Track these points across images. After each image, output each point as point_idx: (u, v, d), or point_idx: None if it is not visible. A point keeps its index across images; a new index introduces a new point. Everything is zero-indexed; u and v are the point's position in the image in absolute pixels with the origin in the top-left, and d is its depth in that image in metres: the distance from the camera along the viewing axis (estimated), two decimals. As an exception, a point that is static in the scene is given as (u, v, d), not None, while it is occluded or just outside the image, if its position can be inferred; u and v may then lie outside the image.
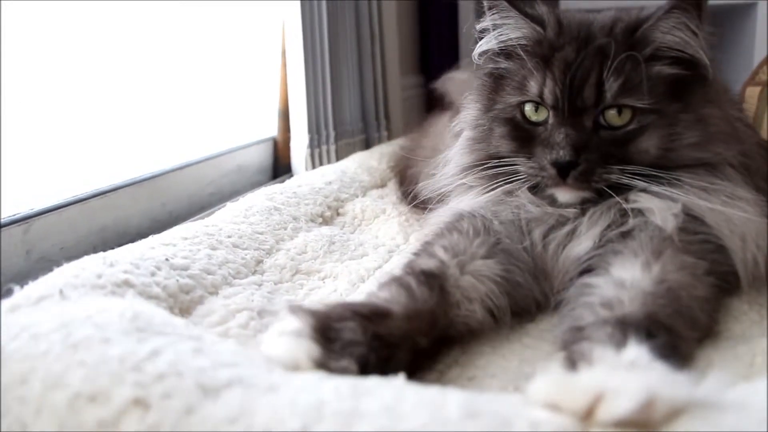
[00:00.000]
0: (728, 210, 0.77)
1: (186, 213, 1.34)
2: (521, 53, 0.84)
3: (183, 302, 0.78)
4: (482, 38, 0.89)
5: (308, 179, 1.29)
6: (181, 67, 1.43)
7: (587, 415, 0.46)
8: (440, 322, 0.70)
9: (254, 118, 1.67)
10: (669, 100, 0.80)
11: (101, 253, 0.79)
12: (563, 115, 0.80)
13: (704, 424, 0.46)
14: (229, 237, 0.96)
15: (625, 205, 0.78)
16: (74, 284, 0.70)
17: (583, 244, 0.78)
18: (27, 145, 1.10)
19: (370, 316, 0.63)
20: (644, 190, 0.79)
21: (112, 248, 0.84)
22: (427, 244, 0.80)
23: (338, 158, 1.64)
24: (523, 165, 0.83)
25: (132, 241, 0.89)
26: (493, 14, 0.86)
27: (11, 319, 0.63)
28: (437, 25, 2.11)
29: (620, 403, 0.45)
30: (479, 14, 0.89)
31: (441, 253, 0.76)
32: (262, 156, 1.66)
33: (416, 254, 0.80)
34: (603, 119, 0.80)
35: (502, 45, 0.87)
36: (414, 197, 0.98)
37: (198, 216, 1.26)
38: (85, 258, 0.77)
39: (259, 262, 0.95)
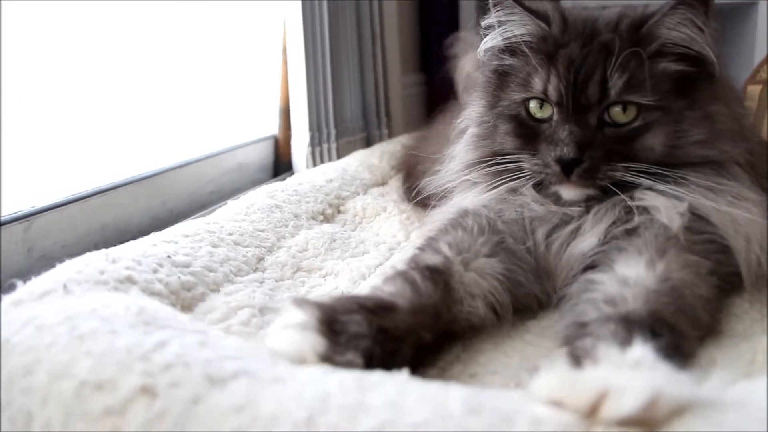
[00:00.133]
0: (734, 210, 0.76)
1: (186, 211, 1.34)
2: (526, 50, 0.84)
3: (185, 299, 0.78)
4: (487, 35, 0.89)
5: (309, 177, 1.29)
6: (182, 65, 1.43)
7: (591, 412, 0.46)
8: (443, 317, 0.70)
9: (255, 116, 1.67)
10: (675, 97, 0.79)
11: (103, 250, 0.79)
12: (567, 112, 0.80)
13: (706, 423, 0.46)
14: (231, 234, 0.96)
15: (630, 203, 0.78)
16: (77, 280, 0.70)
17: (587, 241, 0.78)
18: (28, 143, 1.10)
19: (375, 309, 0.63)
20: (650, 189, 0.78)
21: (113, 246, 0.84)
22: (432, 240, 0.80)
23: (339, 156, 1.63)
24: (527, 162, 0.83)
25: (133, 238, 0.89)
26: (497, 11, 0.86)
27: (15, 313, 0.63)
28: (438, 23, 2.10)
29: (625, 402, 0.45)
30: (483, 11, 0.89)
31: (446, 250, 0.76)
32: (262, 154, 1.66)
33: (421, 249, 0.80)
34: (607, 116, 0.80)
35: (507, 42, 0.87)
36: (418, 192, 0.98)
37: (199, 214, 1.26)
38: (88, 254, 0.77)
39: (261, 259, 0.95)
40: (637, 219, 0.77)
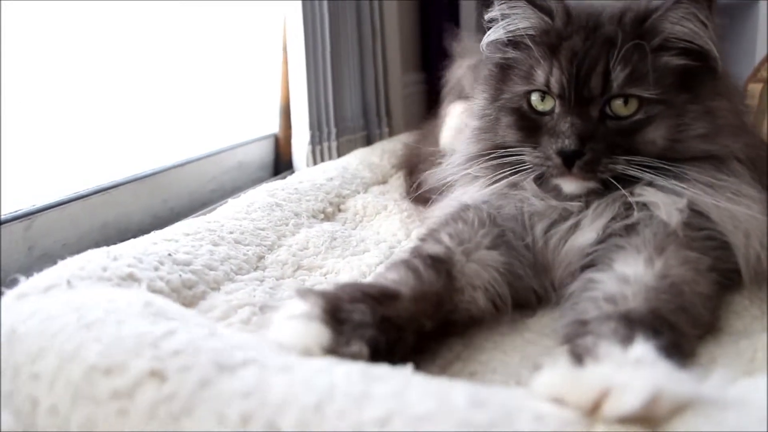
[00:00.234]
0: (733, 207, 0.77)
1: (187, 209, 1.34)
2: (529, 43, 0.84)
3: (186, 297, 0.78)
4: (490, 28, 0.89)
5: (309, 175, 1.29)
6: (182, 64, 1.43)
7: (593, 410, 0.46)
8: (445, 306, 0.71)
9: (255, 115, 1.67)
10: (677, 91, 0.80)
11: (104, 248, 0.79)
12: (569, 104, 0.80)
13: (706, 422, 0.46)
14: (231, 233, 0.96)
15: (630, 199, 0.78)
16: (80, 276, 0.70)
17: (586, 236, 0.78)
18: (28, 142, 1.10)
19: (379, 297, 0.64)
20: (650, 184, 0.78)
21: (114, 244, 0.84)
22: (434, 231, 0.81)
23: (339, 155, 1.63)
24: (528, 155, 0.83)
25: (133, 237, 0.89)
26: (501, 4, 0.86)
27: (20, 305, 0.64)
28: (438, 22, 2.10)
29: (626, 400, 0.45)
30: (487, 4, 0.89)
31: (447, 240, 0.77)
32: (263, 152, 1.66)
33: (422, 240, 0.80)
34: (609, 109, 0.80)
35: (510, 35, 0.87)
36: (419, 186, 0.98)
37: (199, 212, 1.26)
38: (89, 251, 0.77)
39: (261, 258, 0.95)
40: (636, 215, 0.77)
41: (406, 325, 0.64)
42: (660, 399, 0.46)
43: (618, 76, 0.78)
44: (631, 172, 0.78)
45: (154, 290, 0.74)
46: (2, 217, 0.98)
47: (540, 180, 0.84)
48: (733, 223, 0.77)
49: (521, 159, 0.84)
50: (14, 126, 1.05)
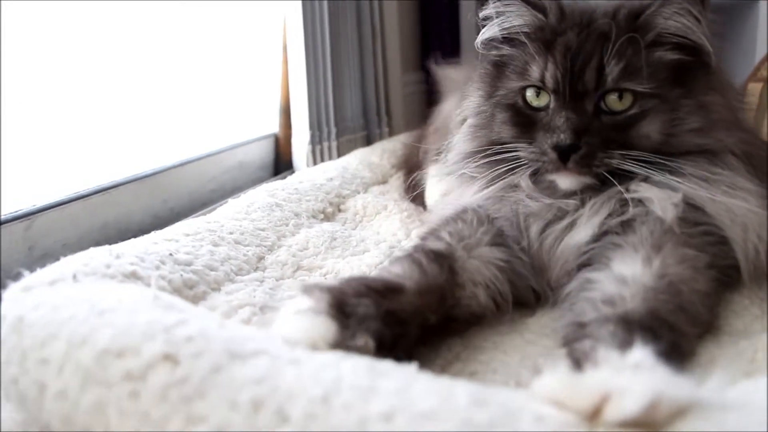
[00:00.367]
0: (729, 200, 0.77)
1: (187, 209, 1.34)
2: (523, 39, 0.84)
3: (187, 297, 0.78)
4: (485, 26, 0.89)
5: (309, 175, 1.29)
6: (182, 64, 1.43)
7: (593, 415, 0.46)
8: (448, 300, 0.72)
9: (255, 115, 1.67)
10: (671, 85, 0.80)
11: (107, 246, 0.79)
12: (564, 99, 0.80)
13: (706, 424, 0.46)
14: (231, 233, 0.96)
15: (626, 195, 0.78)
16: (85, 272, 0.71)
17: (582, 233, 0.78)
18: (28, 142, 1.10)
19: (383, 291, 0.64)
20: (645, 180, 0.79)
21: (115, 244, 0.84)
22: (434, 230, 0.81)
23: (339, 155, 1.63)
24: (524, 150, 0.83)
25: (134, 237, 0.89)
26: (495, 2, 0.87)
27: (26, 296, 0.64)
28: (438, 22, 2.10)
29: (626, 404, 0.46)
30: (482, 2, 0.89)
31: (448, 237, 0.78)
32: (263, 152, 1.66)
33: (423, 238, 0.81)
34: (604, 104, 0.80)
35: (505, 32, 0.88)
36: (416, 184, 0.99)
37: (199, 212, 1.26)
38: (92, 249, 0.77)
39: (261, 258, 0.95)
40: (631, 211, 0.77)
41: (410, 318, 0.65)
42: (659, 404, 0.46)
43: (612, 70, 0.79)
44: (627, 167, 0.78)
45: (156, 288, 0.74)
46: (2, 217, 0.98)
47: (535, 176, 0.84)
48: (730, 216, 0.77)
49: (517, 155, 0.84)
50: (14, 126, 1.05)
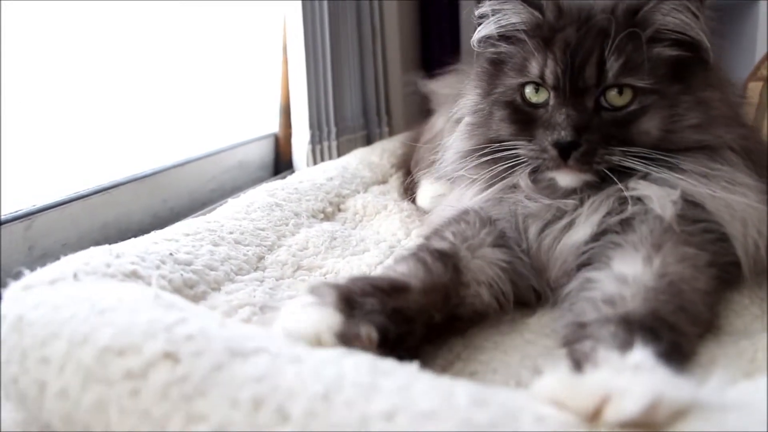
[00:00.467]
0: (728, 195, 0.77)
1: (187, 209, 1.34)
2: (522, 36, 0.84)
3: (187, 297, 0.77)
4: (481, 24, 0.89)
5: (309, 175, 1.29)
6: (182, 64, 1.43)
7: (594, 416, 0.46)
8: (452, 299, 0.72)
9: (255, 114, 1.67)
10: (670, 81, 0.80)
11: (107, 246, 0.80)
12: (564, 95, 0.80)
13: (706, 425, 0.46)
14: (231, 233, 0.96)
15: (625, 193, 0.78)
16: (85, 271, 0.71)
17: (581, 232, 0.78)
18: (28, 142, 1.10)
19: (389, 290, 0.65)
20: (644, 177, 0.79)
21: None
22: (437, 230, 0.82)
23: (339, 154, 1.64)
24: (523, 148, 0.82)
25: (134, 237, 0.89)
26: (491, 0, 0.87)
27: (26, 295, 0.64)
28: (438, 22, 2.10)
29: (626, 405, 0.46)
30: (479, 0, 0.89)
31: (451, 237, 0.78)
32: (263, 152, 1.66)
33: (427, 238, 0.81)
34: (604, 100, 0.80)
35: (502, 30, 0.87)
36: (413, 183, 0.98)
37: (199, 212, 1.26)
38: (92, 249, 0.77)
39: (261, 258, 0.95)
40: (630, 209, 0.77)
41: (416, 316, 0.65)
42: (659, 404, 0.46)
43: (612, 65, 0.78)
44: (627, 163, 0.78)
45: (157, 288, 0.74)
46: (2, 217, 0.98)
47: (534, 175, 0.83)
48: (729, 212, 0.77)
49: (515, 153, 0.83)
50: (14, 126, 1.05)
